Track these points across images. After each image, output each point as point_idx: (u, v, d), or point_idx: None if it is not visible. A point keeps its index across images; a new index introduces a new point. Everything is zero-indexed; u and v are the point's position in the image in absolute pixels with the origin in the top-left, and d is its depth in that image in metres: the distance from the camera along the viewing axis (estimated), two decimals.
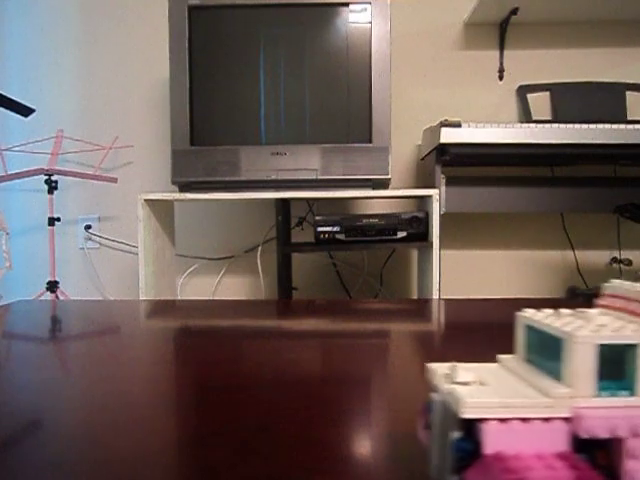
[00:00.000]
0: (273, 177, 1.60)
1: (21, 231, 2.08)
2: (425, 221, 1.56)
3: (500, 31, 1.95)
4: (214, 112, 1.63)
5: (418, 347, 0.49)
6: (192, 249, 2.05)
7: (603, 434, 0.18)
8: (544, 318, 0.22)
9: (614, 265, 1.98)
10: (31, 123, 2.00)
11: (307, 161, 1.59)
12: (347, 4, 1.61)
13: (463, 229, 2.02)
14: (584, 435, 0.18)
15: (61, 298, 1.82)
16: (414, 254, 2.02)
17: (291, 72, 1.63)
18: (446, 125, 1.53)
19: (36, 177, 1.84)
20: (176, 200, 1.73)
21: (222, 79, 1.64)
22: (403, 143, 2.00)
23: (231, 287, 2.06)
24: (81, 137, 2.00)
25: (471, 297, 1.97)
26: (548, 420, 0.19)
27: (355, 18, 1.62)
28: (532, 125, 1.54)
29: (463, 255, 2.03)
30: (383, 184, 1.61)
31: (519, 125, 1.54)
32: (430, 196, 1.55)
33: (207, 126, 1.63)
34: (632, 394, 0.19)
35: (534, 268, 2.01)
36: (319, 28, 1.63)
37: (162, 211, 1.72)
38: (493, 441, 0.18)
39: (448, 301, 0.77)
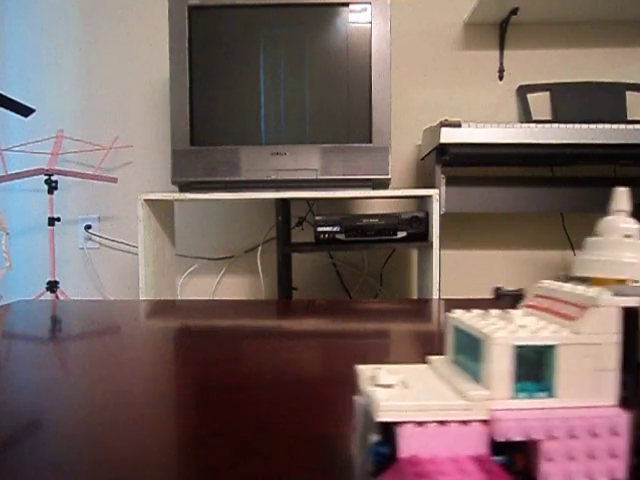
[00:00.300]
0: (273, 177, 1.60)
1: (21, 231, 2.08)
2: (425, 221, 1.56)
3: (500, 31, 1.95)
4: (214, 112, 1.63)
5: (417, 347, 0.49)
6: (192, 249, 2.05)
7: (518, 437, 0.18)
8: (469, 319, 0.22)
9: None
10: (31, 123, 2.01)
11: (307, 161, 1.59)
12: (347, 4, 1.61)
13: (463, 229, 2.02)
14: (499, 438, 0.18)
15: (61, 298, 1.82)
16: (414, 254, 2.02)
17: (291, 72, 1.63)
18: (446, 125, 1.53)
19: (36, 177, 1.84)
20: (176, 200, 1.73)
21: (222, 79, 1.64)
22: (403, 143, 2.00)
23: (231, 287, 2.06)
24: (81, 137, 2.00)
25: (471, 297, 1.97)
26: (466, 423, 0.18)
27: (355, 18, 1.62)
28: (532, 125, 1.54)
29: (463, 255, 2.03)
30: (383, 184, 1.61)
31: (519, 125, 1.54)
32: (430, 196, 1.55)
33: (207, 126, 1.63)
34: (550, 395, 0.19)
35: (534, 268, 2.02)
36: (319, 28, 1.63)
37: (162, 211, 1.72)
38: (409, 445, 0.18)
39: (448, 301, 0.77)
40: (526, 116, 1.90)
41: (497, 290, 0.27)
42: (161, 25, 2.04)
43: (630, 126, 1.52)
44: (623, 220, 0.23)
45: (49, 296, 1.80)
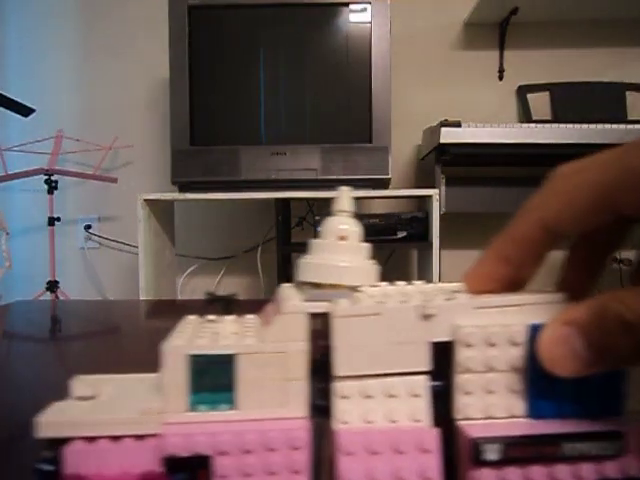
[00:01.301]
0: (273, 177, 1.59)
1: (21, 231, 2.08)
2: (425, 221, 1.56)
3: (500, 31, 1.95)
4: (214, 112, 1.63)
5: None
6: (192, 249, 2.05)
7: (184, 453, 0.17)
8: (188, 325, 0.21)
9: (614, 265, 1.98)
10: (31, 123, 2.00)
11: (307, 161, 1.59)
12: (347, 4, 1.61)
13: (463, 229, 2.02)
14: (165, 454, 0.17)
15: (61, 298, 1.82)
16: (414, 254, 2.02)
17: (291, 72, 1.63)
18: (446, 125, 1.53)
19: (36, 177, 1.84)
20: (176, 200, 1.73)
21: (222, 79, 1.64)
22: (403, 143, 2.00)
23: (231, 287, 2.05)
24: (81, 137, 1.99)
25: None
26: (141, 438, 0.17)
27: (355, 18, 1.62)
28: (532, 125, 1.54)
29: (463, 255, 2.02)
30: (383, 184, 1.61)
31: (519, 125, 1.54)
32: (430, 196, 1.55)
33: (207, 126, 1.63)
34: (232, 408, 0.18)
35: None
36: (319, 28, 1.63)
37: (162, 211, 1.72)
38: (74, 462, 0.17)
39: None
40: (526, 116, 1.90)
41: (208, 295, 0.26)
42: (161, 25, 2.03)
43: (630, 126, 1.52)
44: (340, 221, 0.21)
45: (49, 296, 1.80)
